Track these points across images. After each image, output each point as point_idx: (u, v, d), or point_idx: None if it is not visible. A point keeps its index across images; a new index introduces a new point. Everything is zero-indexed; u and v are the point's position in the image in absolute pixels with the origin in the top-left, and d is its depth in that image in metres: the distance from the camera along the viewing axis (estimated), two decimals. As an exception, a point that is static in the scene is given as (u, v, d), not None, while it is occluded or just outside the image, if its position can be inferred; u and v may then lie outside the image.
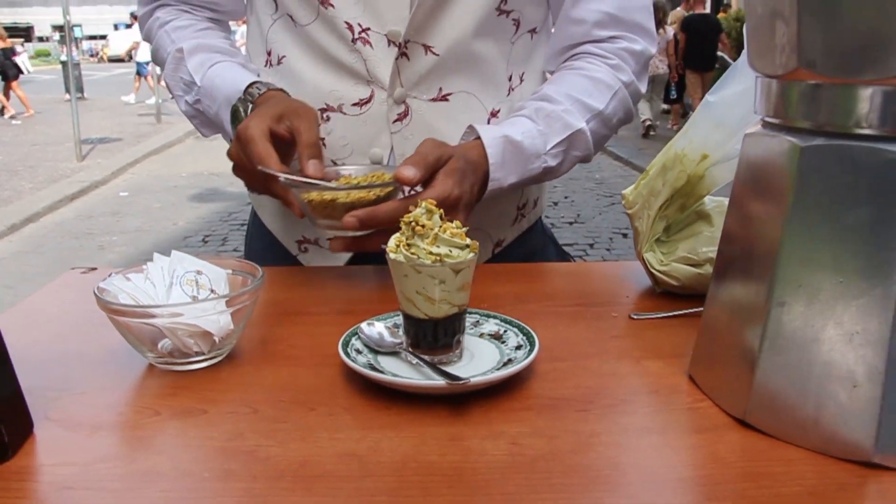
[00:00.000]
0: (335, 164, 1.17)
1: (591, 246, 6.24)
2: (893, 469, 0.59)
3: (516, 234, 1.28)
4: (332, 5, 1.12)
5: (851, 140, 0.60)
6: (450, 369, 0.71)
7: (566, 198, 7.82)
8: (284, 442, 0.64)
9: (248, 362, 0.80)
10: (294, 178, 0.95)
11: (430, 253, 0.70)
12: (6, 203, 7.79)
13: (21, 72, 16.80)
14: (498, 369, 0.72)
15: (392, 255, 0.72)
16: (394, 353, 0.76)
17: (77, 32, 15.84)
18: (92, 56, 40.61)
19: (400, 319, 0.77)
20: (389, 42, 1.12)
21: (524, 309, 0.91)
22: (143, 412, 0.70)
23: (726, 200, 0.80)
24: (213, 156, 9.29)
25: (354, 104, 1.16)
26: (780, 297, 0.63)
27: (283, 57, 1.20)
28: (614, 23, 1.18)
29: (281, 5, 1.18)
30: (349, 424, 0.67)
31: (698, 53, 10.92)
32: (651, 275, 0.98)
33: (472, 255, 0.72)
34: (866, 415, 0.59)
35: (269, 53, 1.23)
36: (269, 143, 0.99)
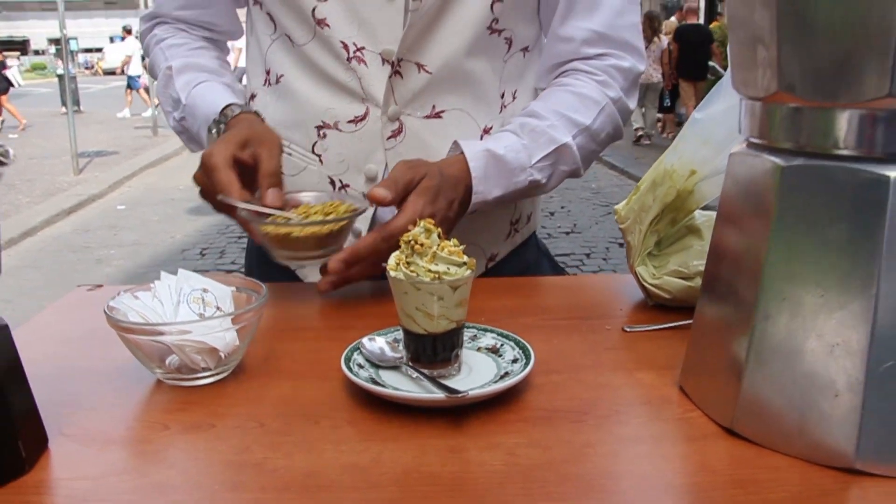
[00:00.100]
0: (333, 181, 1.20)
1: (588, 256, 6.27)
2: (874, 475, 0.62)
3: (510, 248, 1.31)
4: (328, 25, 1.15)
5: (830, 160, 0.63)
6: (449, 383, 0.74)
7: (562, 208, 7.85)
8: (290, 454, 0.66)
9: (253, 377, 0.82)
10: (252, 208, 0.98)
11: (429, 271, 0.72)
12: (4, 217, 7.80)
13: (12, 85, 16.84)
14: (495, 382, 0.74)
15: (392, 273, 0.74)
16: (394, 368, 0.78)
17: (73, 45, 15.85)
18: (87, 69, 40.67)
19: (400, 334, 0.80)
20: (383, 61, 1.15)
21: (520, 322, 0.94)
22: (153, 427, 0.73)
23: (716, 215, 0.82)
24: (210, 168, 9.32)
25: (350, 121, 1.18)
26: (765, 310, 0.66)
27: (282, 76, 1.23)
28: (602, 41, 1.21)
29: (279, 25, 1.21)
30: (352, 437, 0.69)
31: (691, 63, 11.02)
32: (643, 288, 1.00)
33: (469, 272, 0.74)
34: (847, 423, 0.62)
35: (267, 72, 1.26)
36: (233, 170, 1.01)
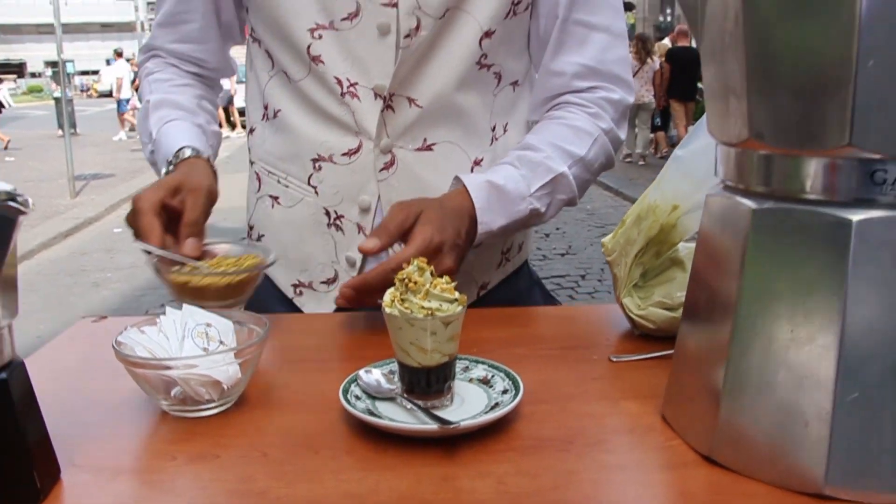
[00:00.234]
0: (328, 212, 1.24)
1: (583, 277, 6.32)
2: (842, 500, 0.65)
3: (501, 277, 1.35)
4: (322, 62, 1.19)
5: (799, 204, 0.67)
6: (442, 413, 0.78)
7: (557, 229, 7.90)
8: (292, 483, 0.70)
9: (255, 408, 0.86)
10: (164, 254, 1.02)
11: (423, 307, 0.76)
12: (1, 241, 7.82)
13: (3, 106, 16.92)
14: (486, 413, 0.78)
15: (388, 310, 0.78)
16: (390, 399, 0.82)
17: (69, 68, 15.97)
18: (82, 91, 40.80)
19: (395, 366, 0.83)
20: (376, 95, 1.20)
21: (511, 353, 0.98)
22: (160, 457, 0.76)
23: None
24: (207, 191, 9.37)
25: (344, 154, 1.23)
26: (739, 343, 0.70)
27: (279, 111, 1.27)
28: (592, 74, 1.25)
29: (276, 62, 1.26)
30: (351, 466, 0.73)
31: (682, 84, 11.17)
32: (629, 318, 1.04)
33: (460, 308, 0.78)
34: (817, 451, 0.66)
35: (266, 107, 1.31)
36: (157, 216, 1.05)
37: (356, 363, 0.88)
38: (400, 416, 0.79)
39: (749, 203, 0.69)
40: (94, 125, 20.50)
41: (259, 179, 1.34)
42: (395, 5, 1.15)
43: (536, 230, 1.43)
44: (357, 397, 0.82)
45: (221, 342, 0.86)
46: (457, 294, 0.79)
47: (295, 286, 1.31)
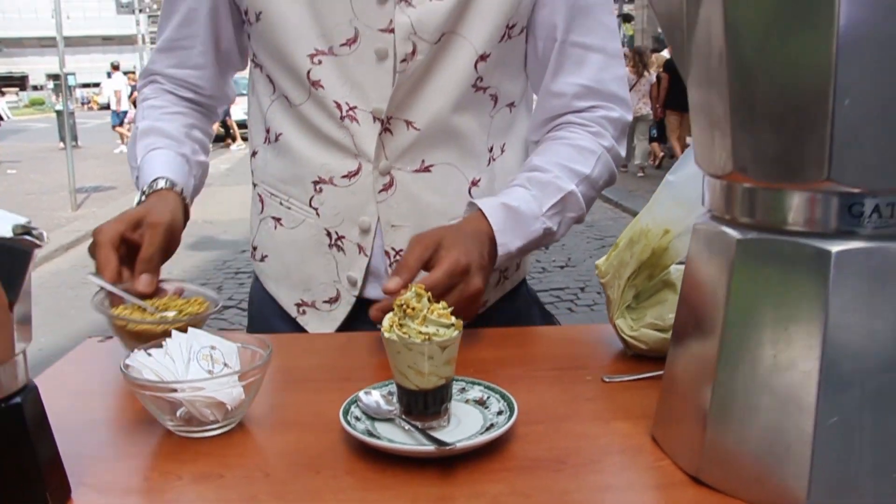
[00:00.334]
0: (329, 233, 1.27)
1: (582, 290, 6.34)
2: (824, 519, 0.68)
3: (499, 294, 1.37)
4: (322, 87, 1.22)
5: (781, 235, 0.70)
6: (438, 434, 0.80)
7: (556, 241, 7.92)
8: (294, 503, 0.73)
9: (258, 428, 0.88)
10: (112, 289, 1.04)
11: (420, 332, 0.79)
12: (2, 254, 7.84)
13: (1, 119, 17.01)
14: (481, 434, 0.81)
15: (386, 335, 0.81)
16: (389, 420, 0.85)
17: (71, 81, 16.06)
18: (83, 104, 40.91)
19: (394, 387, 0.86)
20: (374, 119, 1.23)
21: (506, 373, 1.01)
22: (167, 476, 0.79)
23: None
24: (207, 204, 9.45)
25: (344, 176, 1.26)
26: (725, 367, 0.73)
27: (280, 134, 1.30)
28: (591, 94, 1.28)
29: (277, 87, 1.29)
30: (351, 486, 0.75)
31: (679, 94, 11.26)
32: (622, 339, 1.07)
33: (456, 332, 0.81)
34: (799, 473, 0.68)
35: (267, 131, 1.34)
36: (113, 250, 1.07)
37: (356, 384, 0.91)
38: (398, 437, 0.81)
39: (734, 233, 0.72)
40: (95, 137, 20.57)
41: (262, 201, 1.37)
42: (392, 31, 1.18)
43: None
44: (357, 418, 0.84)
45: (226, 364, 0.88)
46: (453, 319, 0.81)
47: (298, 305, 1.34)
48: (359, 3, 1.19)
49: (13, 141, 17.71)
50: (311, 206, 1.29)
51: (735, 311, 0.72)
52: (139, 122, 1.35)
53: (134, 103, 18.21)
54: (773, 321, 0.70)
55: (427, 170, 1.26)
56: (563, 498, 0.73)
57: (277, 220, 1.34)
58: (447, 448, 0.76)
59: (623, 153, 1.34)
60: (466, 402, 0.89)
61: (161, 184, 1.21)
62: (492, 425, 0.82)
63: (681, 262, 1.09)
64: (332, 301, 1.31)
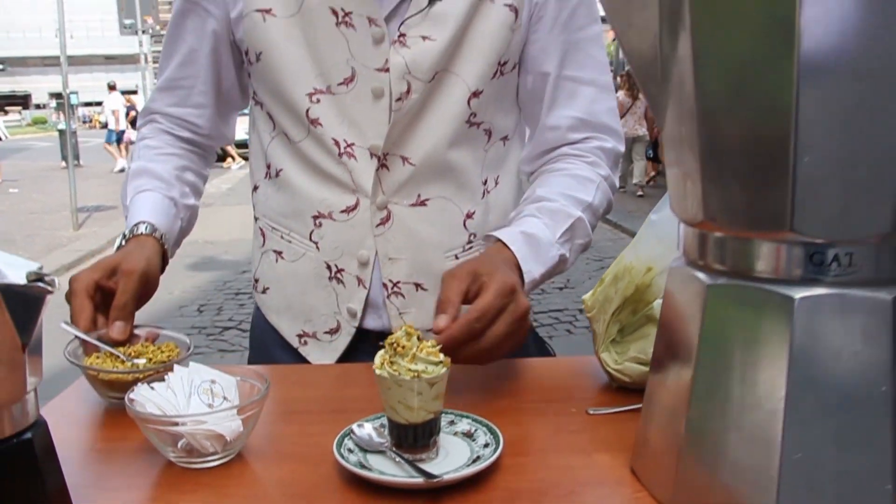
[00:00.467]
0: (329, 266, 1.31)
1: (581, 311, 6.33)
2: (789, 550, 0.72)
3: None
4: (320, 124, 1.27)
5: (749, 281, 0.74)
6: (427, 466, 0.84)
7: (555, 262, 7.94)
8: (289, 533, 0.77)
9: (256, 459, 0.92)
10: (86, 338, 1.09)
11: (409, 369, 0.84)
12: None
13: None
14: (468, 466, 0.85)
15: (378, 372, 0.85)
16: (381, 452, 0.89)
17: (73, 99, 16.18)
18: (84, 122, 41.11)
19: (386, 420, 0.90)
20: (371, 155, 1.26)
21: (495, 406, 1.05)
22: (168, 507, 0.83)
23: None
24: (208, 224, 9.50)
25: (342, 211, 1.30)
26: (697, 406, 0.77)
27: (281, 170, 1.34)
28: (585, 126, 1.33)
29: (277, 124, 1.33)
30: (343, 517, 0.80)
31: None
32: (607, 372, 1.11)
33: (444, 369, 0.85)
34: (765, 505, 0.72)
35: (268, 166, 1.38)
36: (88, 298, 1.12)
37: (351, 416, 0.95)
38: (389, 469, 0.85)
39: (705, 278, 0.77)
40: (96, 156, 20.65)
41: (263, 235, 1.41)
42: (388, 70, 1.23)
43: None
44: (350, 450, 0.89)
45: (225, 398, 0.93)
46: (441, 357, 0.86)
47: (300, 336, 1.38)
48: (356, 44, 1.23)
49: (16, 160, 17.81)
50: (311, 239, 1.33)
51: (706, 351, 0.76)
52: (133, 162, 1.39)
53: (131, 123, 18.34)
54: (742, 362, 0.74)
55: (423, 203, 1.30)
56: (543, 529, 0.77)
57: (279, 253, 1.38)
58: (434, 480, 0.80)
59: (617, 183, 1.37)
60: (455, 434, 0.93)
61: (142, 228, 1.24)
62: (478, 457, 0.87)
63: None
64: (333, 332, 1.35)
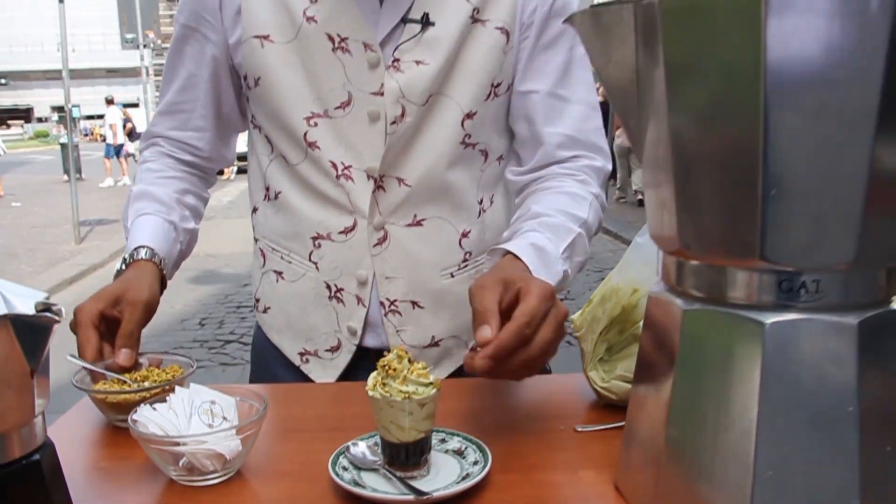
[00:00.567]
0: (329, 286, 1.34)
1: (579, 323, 6.38)
2: (762, 564, 0.75)
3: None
4: (318, 147, 1.30)
5: (722, 306, 0.78)
6: (418, 483, 0.88)
7: (555, 274, 7.96)
8: (286, 549, 0.80)
9: (254, 477, 0.96)
10: (91, 367, 1.13)
11: (401, 391, 0.87)
12: (7, 288, 7.92)
13: None
14: (457, 483, 0.88)
15: (370, 393, 0.89)
16: (374, 469, 0.92)
17: (75, 112, 16.25)
18: (85, 136, 41.26)
19: (379, 439, 0.94)
20: (368, 177, 1.30)
21: (485, 423, 1.08)
22: (170, 524, 0.87)
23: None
24: (209, 238, 9.54)
25: (340, 232, 1.33)
26: (674, 424, 0.81)
27: (279, 192, 1.38)
28: (574, 143, 1.34)
29: (276, 147, 1.36)
30: (337, 532, 0.83)
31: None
32: (595, 390, 1.15)
33: (434, 390, 0.89)
34: (740, 521, 0.76)
35: (267, 189, 1.41)
36: (94, 329, 1.16)
37: (348, 433, 0.99)
38: (382, 486, 0.89)
39: (681, 304, 0.80)
40: (98, 170, 20.72)
41: (264, 255, 1.44)
42: (382, 94, 1.27)
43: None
44: (344, 468, 0.92)
45: (224, 418, 0.96)
46: (431, 378, 0.90)
47: (301, 354, 1.41)
48: (352, 69, 1.27)
49: (18, 173, 17.88)
50: (310, 260, 1.36)
51: (683, 373, 0.80)
52: (135, 185, 1.43)
53: (129, 135, 18.36)
54: (716, 383, 0.78)
55: (419, 224, 1.33)
56: (529, 544, 0.80)
57: (279, 273, 1.41)
58: (425, 497, 0.84)
59: (606, 203, 1.38)
60: (446, 451, 0.97)
61: (143, 253, 1.28)
62: (467, 475, 0.90)
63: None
64: (334, 350, 1.38)
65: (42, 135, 45.27)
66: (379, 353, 1.23)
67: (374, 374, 0.91)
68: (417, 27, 1.26)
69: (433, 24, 1.26)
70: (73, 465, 0.98)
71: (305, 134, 1.30)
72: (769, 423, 0.75)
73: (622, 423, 1.05)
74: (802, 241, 0.73)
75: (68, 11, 10.53)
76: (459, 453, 0.96)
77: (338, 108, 1.29)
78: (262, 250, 1.45)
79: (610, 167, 1.39)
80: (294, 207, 1.36)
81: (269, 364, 1.47)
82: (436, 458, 0.94)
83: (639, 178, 12.25)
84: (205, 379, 1.11)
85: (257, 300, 1.47)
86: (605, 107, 5.70)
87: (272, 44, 1.29)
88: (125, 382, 1.12)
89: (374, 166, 1.29)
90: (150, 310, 1.22)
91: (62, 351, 0.98)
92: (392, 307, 1.34)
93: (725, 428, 0.77)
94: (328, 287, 1.36)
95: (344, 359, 1.38)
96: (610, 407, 1.14)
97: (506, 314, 0.99)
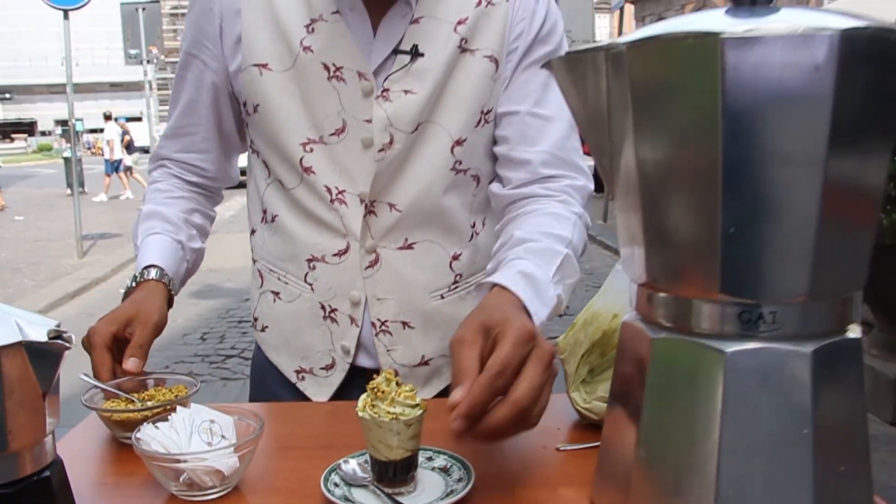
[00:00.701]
0: (323, 306, 1.40)
1: (577, 339, 6.42)
2: (723, 577, 0.81)
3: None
4: (313, 172, 1.36)
5: (688, 336, 0.83)
6: (405, 499, 0.94)
7: (554, 290, 8.00)
8: (280, 561, 0.86)
9: (251, 492, 1.01)
10: (104, 387, 1.18)
11: (388, 412, 0.93)
12: (9, 301, 7.92)
13: None
14: (442, 499, 0.94)
15: (360, 414, 0.95)
16: (364, 486, 0.98)
17: (78, 126, 16.31)
18: (87, 149, 41.42)
19: (368, 457, 0.99)
20: (360, 201, 1.35)
21: (470, 442, 1.12)
22: (171, 537, 0.92)
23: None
24: (211, 252, 9.57)
25: (334, 254, 1.38)
26: (644, 444, 0.86)
27: (276, 215, 1.43)
28: (556, 162, 1.35)
29: (273, 172, 1.42)
30: (328, 546, 0.89)
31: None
32: (577, 411, 1.20)
33: (420, 411, 0.95)
34: (703, 536, 0.81)
35: (264, 212, 1.47)
36: (107, 351, 1.22)
37: (340, 451, 1.04)
38: (371, 502, 0.94)
39: (649, 332, 0.86)
40: (101, 184, 20.81)
41: (261, 276, 1.50)
42: (371, 121, 1.32)
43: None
44: (336, 484, 0.98)
45: (223, 436, 1.02)
46: (418, 400, 0.95)
47: (297, 372, 1.47)
48: (346, 97, 1.33)
49: (21, 187, 17.97)
50: (305, 281, 1.42)
51: (652, 397, 0.86)
52: (144, 205, 1.50)
53: (126, 148, 18.34)
54: (682, 407, 0.83)
55: (410, 247, 1.38)
56: (507, 557, 0.86)
57: (276, 293, 1.47)
58: (410, 513, 0.89)
59: (590, 222, 1.38)
60: (433, 469, 1.02)
61: (152, 273, 1.34)
62: (452, 491, 0.95)
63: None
64: (328, 368, 1.43)
65: (45, 148, 45.54)
66: (372, 371, 1.28)
67: (363, 395, 0.97)
68: (407, 58, 1.31)
69: (422, 54, 1.32)
70: (80, 480, 1.04)
71: (301, 159, 1.36)
72: (731, 445, 0.80)
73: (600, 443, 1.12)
74: (760, 276, 0.79)
75: (72, 27, 10.61)
76: (445, 471, 1.01)
77: (332, 134, 1.34)
78: (259, 271, 1.50)
79: (592, 186, 1.39)
80: (290, 230, 1.42)
81: (268, 382, 1.52)
82: (422, 476, 1.00)
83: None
84: (206, 393, 1.17)
85: (255, 319, 1.53)
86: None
87: (271, 72, 1.35)
88: (133, 402, 1.18)
89: (365, 191, 1.34)
90: (158, 330, 1.28)
91: (71, 368, 1.04)
92: (383, 327, 1.39)
93: (691, 449, 0.82)
94: (323, 307, 1.41)
95: (338, 377, 1.43)
96: (592, 426, 1.19)
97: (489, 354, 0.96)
